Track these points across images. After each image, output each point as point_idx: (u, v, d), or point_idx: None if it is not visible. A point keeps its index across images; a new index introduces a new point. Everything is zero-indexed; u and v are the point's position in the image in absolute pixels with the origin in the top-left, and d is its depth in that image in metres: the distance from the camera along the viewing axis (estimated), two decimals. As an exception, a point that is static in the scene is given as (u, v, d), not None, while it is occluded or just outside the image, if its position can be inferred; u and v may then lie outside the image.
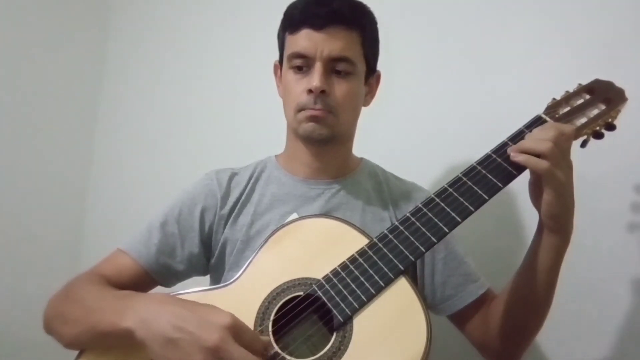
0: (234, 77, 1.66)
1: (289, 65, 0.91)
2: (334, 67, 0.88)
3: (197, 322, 0.66)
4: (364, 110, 0.97)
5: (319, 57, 0.86)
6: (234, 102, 1.65)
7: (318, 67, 0.86)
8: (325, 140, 0.90)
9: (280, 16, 0.95)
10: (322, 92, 0.86)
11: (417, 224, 0.76)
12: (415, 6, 1.32)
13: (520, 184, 0.79)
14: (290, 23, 0.91)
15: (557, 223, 0.75)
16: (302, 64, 0.88)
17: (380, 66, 0.99)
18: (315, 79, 0.86)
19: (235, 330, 0.65)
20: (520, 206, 1.10)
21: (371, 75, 0.96)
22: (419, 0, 1.32)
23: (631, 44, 1.03)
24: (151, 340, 0.67)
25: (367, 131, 1.02)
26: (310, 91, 0.86)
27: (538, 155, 0.72)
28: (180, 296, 0.77)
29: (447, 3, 1.28)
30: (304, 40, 0.87)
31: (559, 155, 0.71)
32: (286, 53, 0.92)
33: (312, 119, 0.88)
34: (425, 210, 0.76)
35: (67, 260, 1.87)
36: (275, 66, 0.99)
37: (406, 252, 0.74)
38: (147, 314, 0.69)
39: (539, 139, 0.73)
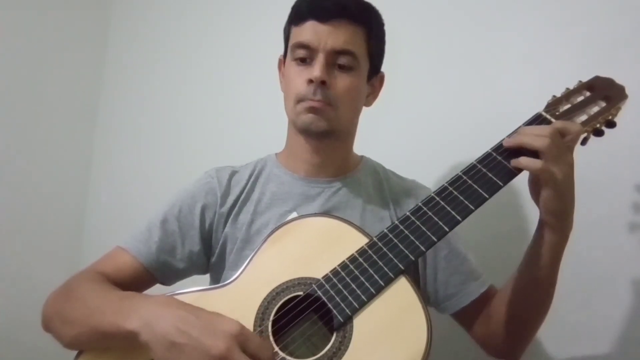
0: (235, 76, 1.66)
1: (292, 56, 0.90)
2: (337, 60, 0.87)
3: (202, 328, 0.65)
4: (365, 108, 0.97)
5: (322, 48, 0.86)
6: (235, 101, 1.65)
7: (320, 59, 0.86)
8: (323, 134, 0.89)
9: (280, 14, 0.95)
10: (323, 83, 0.86)
11: (417, 223, 0.75)
12: (415, 6, 1.31)
13: (523, 183, 0.78)
14: (297, 15, 0.91)
15: (556, 220, 0.74)
16: (305, 55, 0.88)
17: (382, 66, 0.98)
18: (316, 69, 0.85)
19: (242, 338, 0.65)
20: (522, 205, 1.09)
21: (374, 75, 0.96)
22: (419, 1, 1.31)
23: (631, 43, 1.02)
24: (155, 343, 0.67)
25: (368, 130, 1.02)
26: (310, 81, 0.86)
27: (535, 151, 0.71)
28: (177, 296, 0.76)
29: (447, 3, 1.27)
30: (309, 31, 0.87)
31: (556, 152, 0.71)
32: (290, 44, 0.91)
33: (311, 110, 0.87)
34: (425, 209, 0.76)
35: (67, 260, 1.87)
36: (279, 60, 0.99)
37: (406, 252, 0.74)
38: (151, 316, 0.69)
39: (536, 134, 0.72)
